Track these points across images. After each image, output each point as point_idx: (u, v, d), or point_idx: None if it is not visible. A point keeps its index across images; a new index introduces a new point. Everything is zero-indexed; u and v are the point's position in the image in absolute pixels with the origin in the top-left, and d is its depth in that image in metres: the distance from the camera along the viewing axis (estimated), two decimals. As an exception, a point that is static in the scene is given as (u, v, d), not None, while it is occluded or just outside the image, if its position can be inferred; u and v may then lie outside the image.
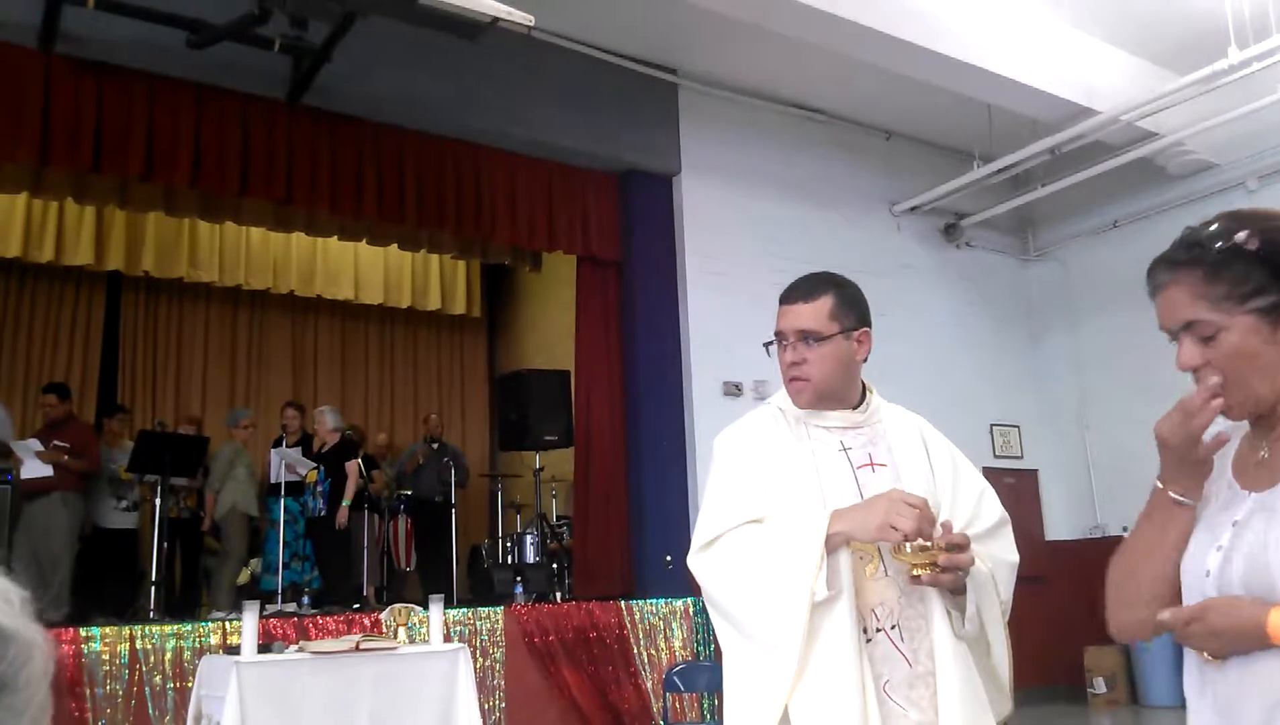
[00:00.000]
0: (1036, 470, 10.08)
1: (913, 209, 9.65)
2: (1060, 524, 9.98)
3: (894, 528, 1.84)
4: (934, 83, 7.80)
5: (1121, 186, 9.17)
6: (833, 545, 1.90)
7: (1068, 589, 9.17)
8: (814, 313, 2.09)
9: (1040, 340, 10.41)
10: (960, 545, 1.88)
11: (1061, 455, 10.08)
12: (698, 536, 2.04)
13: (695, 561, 2.03)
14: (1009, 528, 2.16)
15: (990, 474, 10.90)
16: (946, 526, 1.91)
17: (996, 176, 9.10)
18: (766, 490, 2.03)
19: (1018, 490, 9.85)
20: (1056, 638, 8.78)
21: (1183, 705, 1.61)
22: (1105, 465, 9.70)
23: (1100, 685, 8.92)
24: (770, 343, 2.17)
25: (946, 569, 1.87)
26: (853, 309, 2.12)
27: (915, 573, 1.87)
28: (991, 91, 7.92)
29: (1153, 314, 1.48)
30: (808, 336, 2.08)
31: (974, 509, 2.12)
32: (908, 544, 1.85)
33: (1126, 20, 7.81)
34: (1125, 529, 9.29)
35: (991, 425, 9.81)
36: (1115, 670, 8.87)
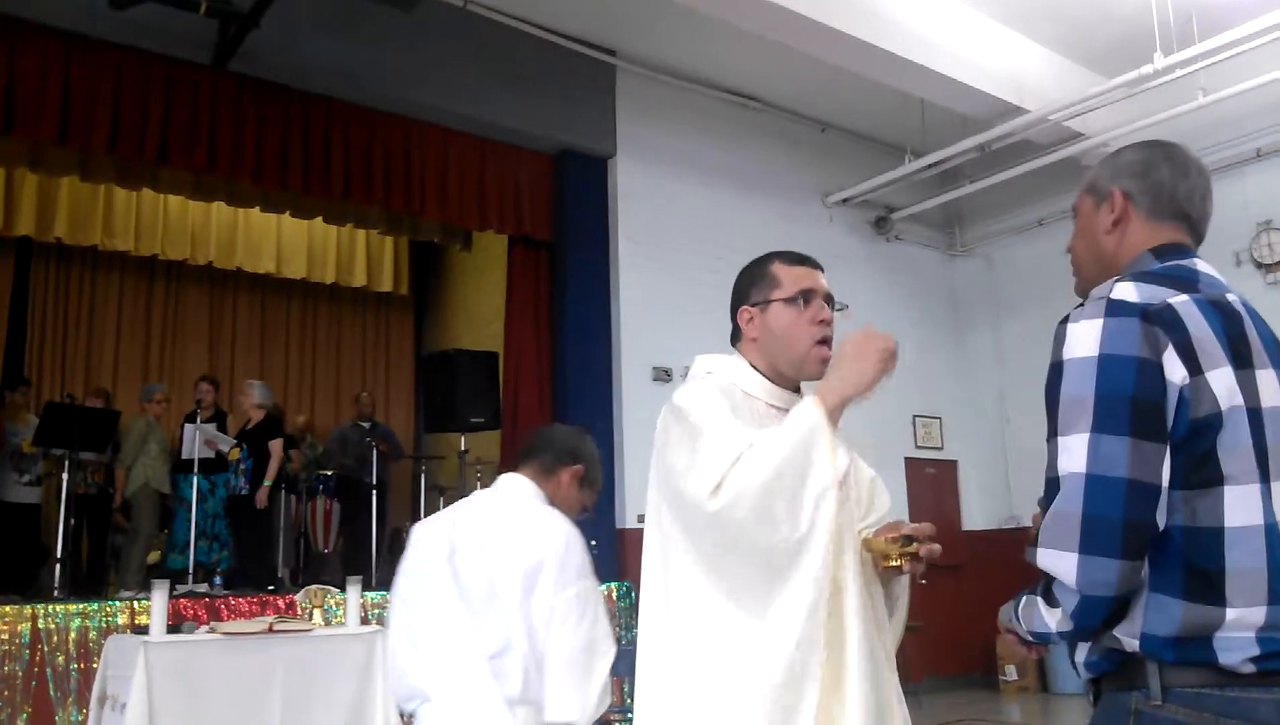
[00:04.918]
0: (956, 461, 10.28)
1: (845, 201, 9.73)
2: (976, 514, 10.20)
3: (891, 354, 1.85)
4: (870, 76, 7.85)
5: (1047, 185, 9.36)
6: (838, 414, 1.85)
7: (982, 578, 9.37)
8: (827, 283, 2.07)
9: (964, 334, 10.60)
10: (929, 534, 1.89)
11: (980, 447, 10.29)
12: (700, 483, 1.81)
13: (715, 504, 1.78)
14: None
15: (911, 464, 11.06)
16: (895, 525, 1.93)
17: (927, 171, 9.23)
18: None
19: (937, 480, 10.03)
20: (970, 625, 8.97)
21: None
22: (1021, 458, 9.92)
23: (1011, 673, 9.14)
24: (793, 299, 2.01)
25: (921, 559, 1.89)
26: None
27: (895, 563, 1.88)
28: (925, 87, 8.00)
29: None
30: (832, 303, 2.05)
31: (870, 494, 2.12)
32: (885, 536, 1.87)
33: (1057, 22, 7.95)
34: (1040, 521, 9.59)
35: (914, 416, 9.97)
36: (1026, 658, 9.08)
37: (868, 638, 1.85)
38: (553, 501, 2.52)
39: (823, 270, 2.09)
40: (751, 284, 2.09)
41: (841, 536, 1.83)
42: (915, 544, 1.87)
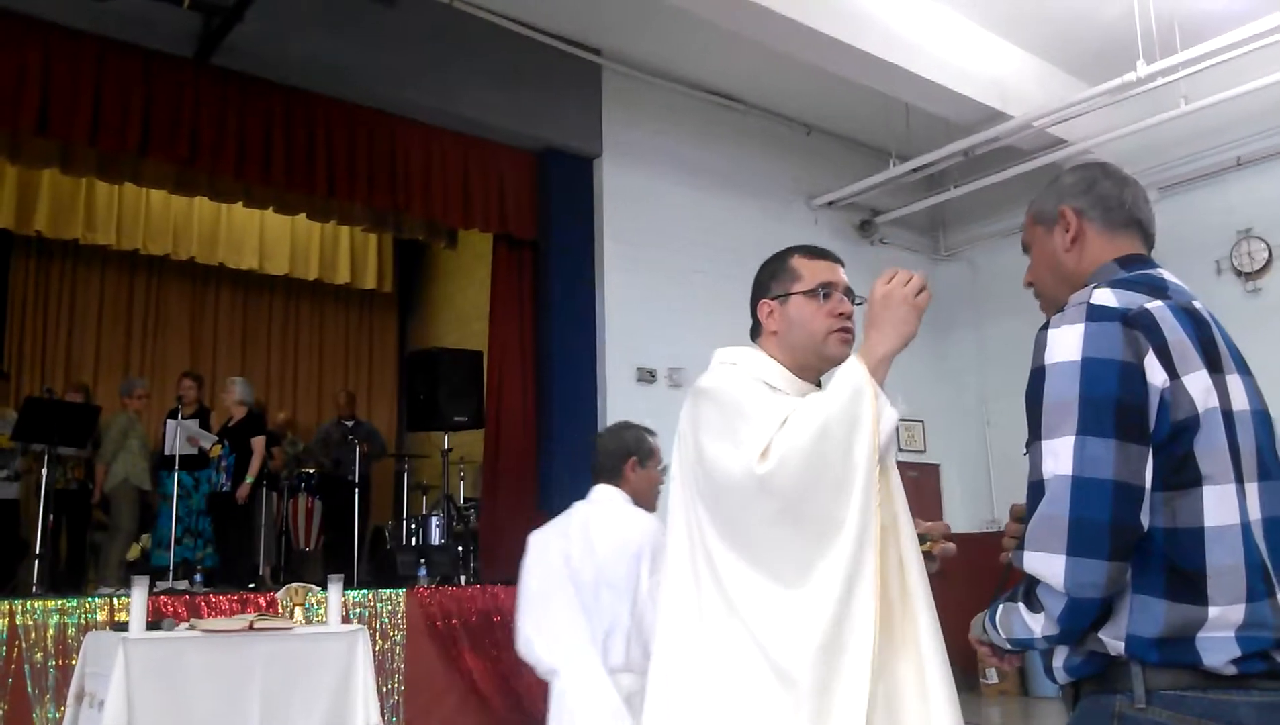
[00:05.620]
0: (938, 465, 10.32)
1: (830, 204, 9.76)
2: (959, 517, 10.22)
3: (921, 291, 1.87)
4: (855, 79, 7.87)
5: (1030, 191, 9.20)
6: (884, 370, 1.87)
7: (964, 580, 9.40)
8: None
9: (947, 338, 10.64)
10: (943, 533, 1.92)
11: (963, 451, 10.33)
12: (747, 451, 1.79)
13: (763, 467, 1.75)
14: None
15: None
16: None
17: (911, 175, 9.26)
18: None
19: (920, 484, 10.06)
20: (951, 628, 9.00)
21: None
22: (1003, 461, 9.97)
23: (992, 675, 9.18)
24: (813, 292, 2.03)
25: (935, 558, 1.92)
26: None
27: None
28: (910, 91, 8.03)
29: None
30: (852, 296, 2.08)
31: None
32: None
33: (1041, 28, 8.00)
34: (1020, 524, 9.66)
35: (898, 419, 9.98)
36: (1000, 669, 9.11)
37: (927, 590, 1.84)
38: (636, 498, 3.11)
39: (843, 265, 2.11)
40: (772, 277, 2.10)
41: (890, 484, 1.84)
42: (929, 543, 1.89)
